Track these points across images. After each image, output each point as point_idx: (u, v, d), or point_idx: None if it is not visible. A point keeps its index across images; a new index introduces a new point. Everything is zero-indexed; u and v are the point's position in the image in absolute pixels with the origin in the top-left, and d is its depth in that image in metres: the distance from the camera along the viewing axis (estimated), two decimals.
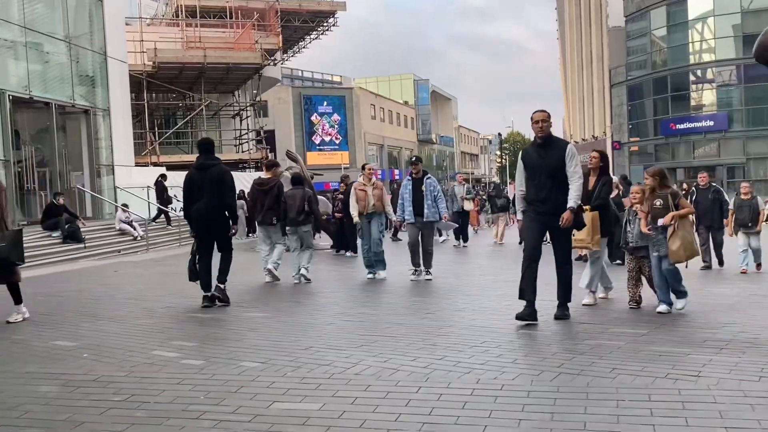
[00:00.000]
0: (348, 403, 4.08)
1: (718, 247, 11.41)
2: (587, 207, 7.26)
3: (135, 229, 18.92)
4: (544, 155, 6.41)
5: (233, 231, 8.10)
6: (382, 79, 74.73)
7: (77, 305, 8.39)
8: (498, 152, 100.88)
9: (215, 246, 8.00)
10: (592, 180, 7.45)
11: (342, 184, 15.61)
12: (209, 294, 7.83)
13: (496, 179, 74.32)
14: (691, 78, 44.24)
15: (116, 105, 22.79)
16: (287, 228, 10.28)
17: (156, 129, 28.90)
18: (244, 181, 22.77)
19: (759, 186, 33.77)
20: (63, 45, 20.83)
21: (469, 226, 18.82)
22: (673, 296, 6.98)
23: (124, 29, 24.49)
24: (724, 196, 11.65)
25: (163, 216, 21.07)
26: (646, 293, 7.33)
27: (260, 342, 5.89)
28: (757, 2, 39.65)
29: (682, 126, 43.04)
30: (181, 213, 21.55)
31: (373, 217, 10.52)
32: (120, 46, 23.25)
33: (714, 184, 12.42)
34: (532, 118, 6.45)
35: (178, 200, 22.62)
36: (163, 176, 21.90)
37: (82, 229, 17.21)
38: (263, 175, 11.28)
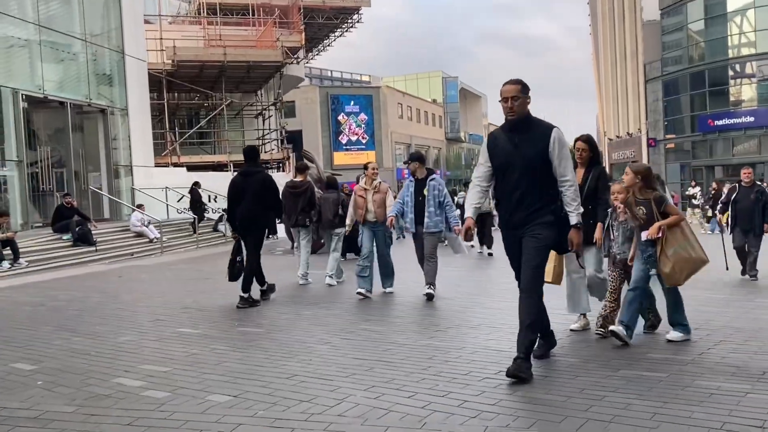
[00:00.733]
0: None
1: (753, 255, 9.89)
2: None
3: (152, 231, 18.38)
4: (517, 143, 4.73)
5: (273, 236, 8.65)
6: (410, 77, 73.84)
7: (60, 317, 7.73)
8: None
9: (250, 246, 8.39)
10: (579, 173, 5.97)
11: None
12: (246, 295, 8.08)
13: None
14: (730, 72, 42.59)
15: (135, 104, 22.32)
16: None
17: (176, 129, 28.40)
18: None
19: None
20: (79, 43, 20.41)
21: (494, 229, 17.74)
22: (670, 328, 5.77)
23: (143, 27, 24.01)
24: None
25: (197, 221, 20.64)
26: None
27: (239, 368, 5.13)
28: None
29: (720, 122, 41.43)
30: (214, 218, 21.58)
31: (377, 226, 8.79)
32: (139, 44, 22.79)
33: (760, 183, 11.24)
34: (500, 93, 4.75)
35: (215, 202, 22.19)
36: (197, 184, 21.36)
37: (94, 232, 16.73)
38: (295, 177, 10.86)
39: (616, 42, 55.84)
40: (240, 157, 27.72)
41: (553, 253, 5.49)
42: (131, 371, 5.15)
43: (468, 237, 5.73)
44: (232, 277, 8.46)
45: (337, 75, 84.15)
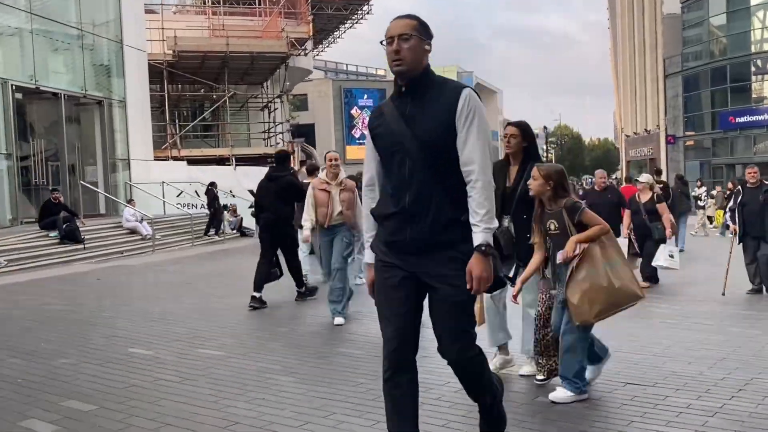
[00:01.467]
0: None
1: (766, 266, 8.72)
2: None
3: (145, 227, 17.65)
4: (410, 114, 3.00)
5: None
6: None
7: (5, 331, 6.95)
8: (544, 146, 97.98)
9: (284, 250, 8.44)
10: (513, 171, 4.72)
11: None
12: (258, 295, 8.00)
13: None
14: (752, 68, 41.38)
15: (133, 96, 21.59)
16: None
17: (177, 121, 27.66)
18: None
19: None
20: (75, 33, 19.70)
21: None
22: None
23: (143, 16, 23.27)
24: None
25: (213, 226, 19.99)
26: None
27: (175, 409, 4.30)
28: None
29: (741, 119, 40.22)
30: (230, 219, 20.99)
31: (338, 231, 7.15)
32: (138, 34, 22.04)
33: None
34: (385, 33, 3.01)
35: (232, 196, 21.52)
36: (213, 184, 20.63)
37: (84, 229, 16.02)
38: (305, 179, 10.21)
39: (635, 36, 54.60)
40: (242, 151, 27.36)
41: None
42: (51, 409, 4.35)
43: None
44: (260, 283, 8.10)
45: (353, 69, 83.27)
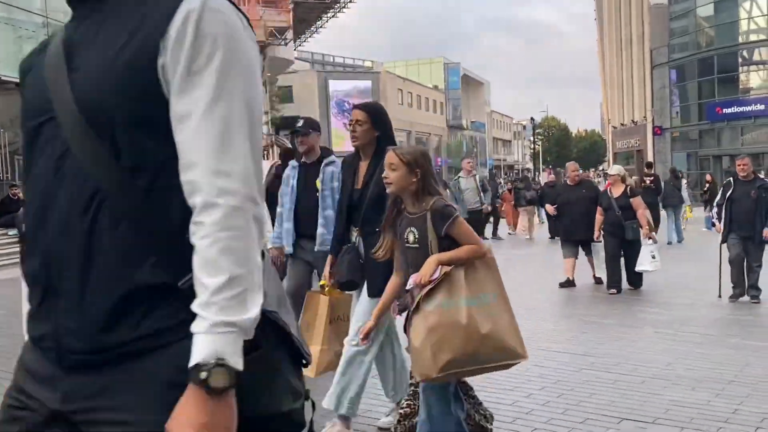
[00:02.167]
0: None
1: (755, 271, 7.88)
2: (324, 283, 3.77)
3: None
4: (78, 41, 1.36)
5: None
6: (411, 62, 72.19)
7: None
8: (532, 138, 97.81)
9: None
10: (363, 167, 3.67)
11: None
12: None
13: (530, 166, 71.65)
14: (740, 59, 41.14)
15: None
16: None
17: None
18: None
19: None
20: (40, 20, 18.87)
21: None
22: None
23: None
24: None
25: None
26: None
27: None
28: None
29: (729, 110, 39.96)
30: None
31: None
32: None
33: (762, 176, 8.82)
34: None
35: None
36: None
37: None
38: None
39: (622, 27, 54.29)
40: None
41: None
42: None
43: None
44: None
45: (339, 60, 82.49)
